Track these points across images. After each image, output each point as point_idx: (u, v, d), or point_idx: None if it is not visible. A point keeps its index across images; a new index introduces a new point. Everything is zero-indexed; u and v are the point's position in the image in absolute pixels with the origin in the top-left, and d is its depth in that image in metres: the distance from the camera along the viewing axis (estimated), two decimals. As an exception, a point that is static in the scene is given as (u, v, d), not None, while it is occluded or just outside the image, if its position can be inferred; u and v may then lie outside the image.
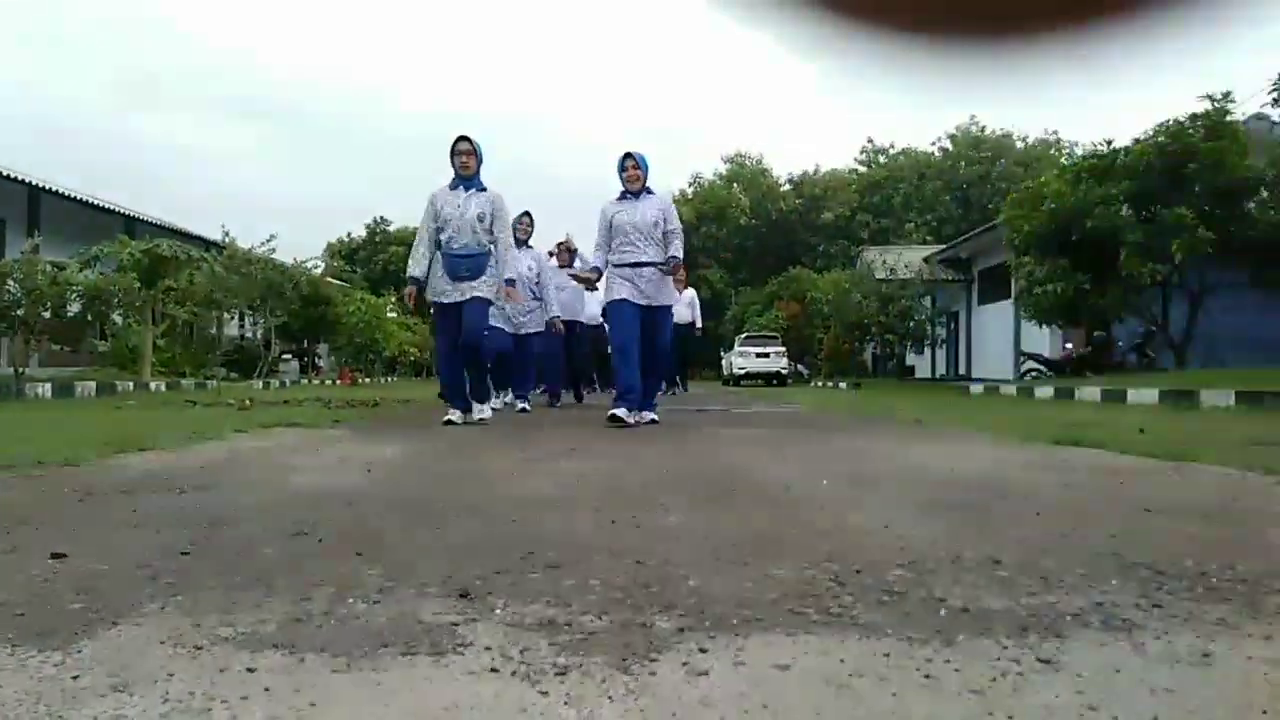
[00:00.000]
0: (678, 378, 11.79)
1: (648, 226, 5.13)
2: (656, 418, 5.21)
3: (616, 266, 5.21)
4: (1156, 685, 0.91)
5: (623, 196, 5.26)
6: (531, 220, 7.27)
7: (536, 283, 7.14)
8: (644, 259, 5.13)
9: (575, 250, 7.85)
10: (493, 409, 6.84)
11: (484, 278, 5.03)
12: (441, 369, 5.30)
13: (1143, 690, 0.89)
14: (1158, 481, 2.54)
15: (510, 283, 5.11)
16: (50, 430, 4.12)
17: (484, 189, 5.11)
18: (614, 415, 4.81)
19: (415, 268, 5.08)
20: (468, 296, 4.98)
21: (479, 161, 5.14)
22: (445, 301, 5.07)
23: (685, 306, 11.26)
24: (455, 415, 5.06)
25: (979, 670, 0.95)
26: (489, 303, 5.16)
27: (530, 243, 7.29)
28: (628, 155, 5.26)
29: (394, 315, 21.13)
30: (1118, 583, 1.34)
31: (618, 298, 5.16)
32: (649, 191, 5.27)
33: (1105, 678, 0.93)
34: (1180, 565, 1.45)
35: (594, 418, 5.69)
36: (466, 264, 5.00)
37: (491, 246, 5.07)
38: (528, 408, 6.83)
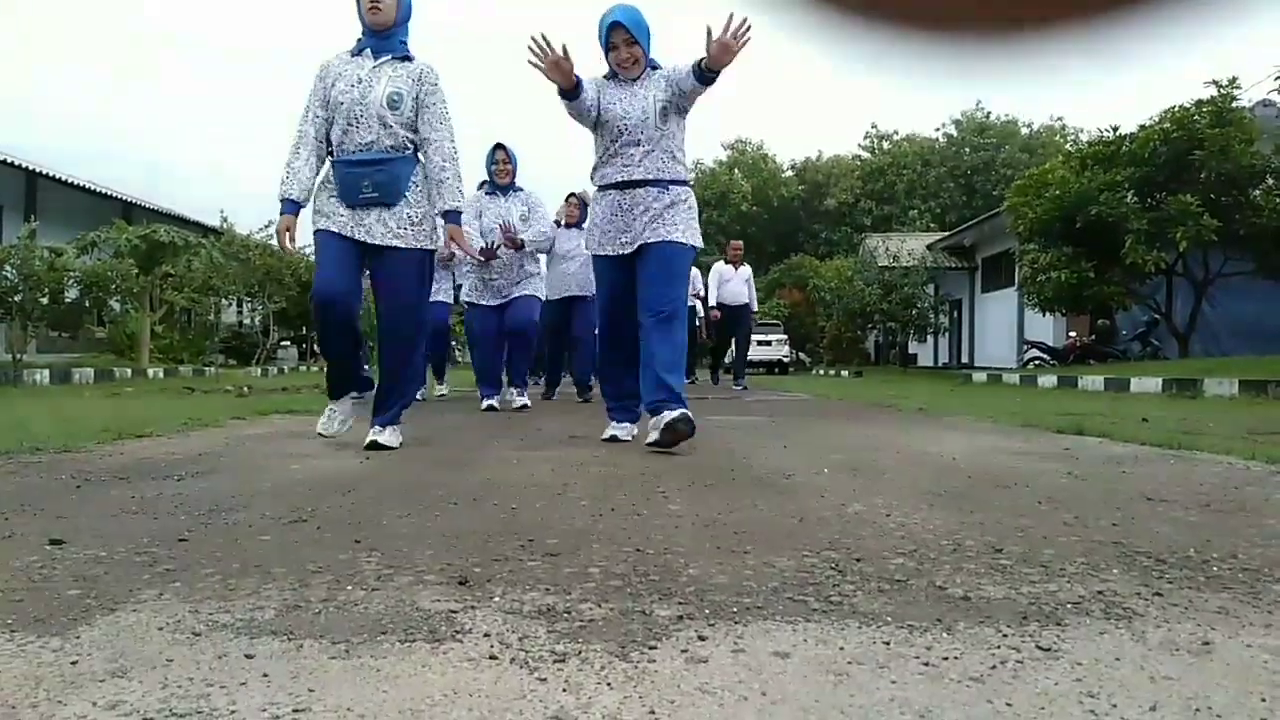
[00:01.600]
0: (732, 372, 9.72)
1: (648, 122, 3.16)
2: (687, 411, 3.00)
3: (601, 189, 3.32)
4: (1156, 673, 0.90)
5: (612, 79, 3.30)
6: (509, 155, 5.37)
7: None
8: (638, 174, 3.19)
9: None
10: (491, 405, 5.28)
11: (403, 204, 3.02)
12: (321, 339, 3.26)
13: (1142, 678, 0.89)
14: (1160, 470, 2.54)
15: (453, 218, 3.07)
16: (48, 417, 4.12)
17: (409, 58, 3.10)
18: (613, 439, 3.27)
19: (292, 184, 3.01)
20: (380, 241, 3.01)
21: (404, 9, 3.10)
22: (331, 230, 3.03)
23: (743, 284, 9.41)
24: (339, 410, 3.21)
25: (979, 658, 0.94)
26: (426, 254, 3.11)
27: (517, 183, 5.47)
28: (614, 24, 3.14)
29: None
30: (1119, 571, 1.34)
31: (598, 253, 3.34)
32: (654, 67, 3.25)
33: (1105, 666, 0.92)
34: (1182, 554, 1.45)
35: (594, 408, 5.68)
36: (372, 175, 2.99)
37: (414, 150, 3.08)
38: (527, 403, 5.50)
